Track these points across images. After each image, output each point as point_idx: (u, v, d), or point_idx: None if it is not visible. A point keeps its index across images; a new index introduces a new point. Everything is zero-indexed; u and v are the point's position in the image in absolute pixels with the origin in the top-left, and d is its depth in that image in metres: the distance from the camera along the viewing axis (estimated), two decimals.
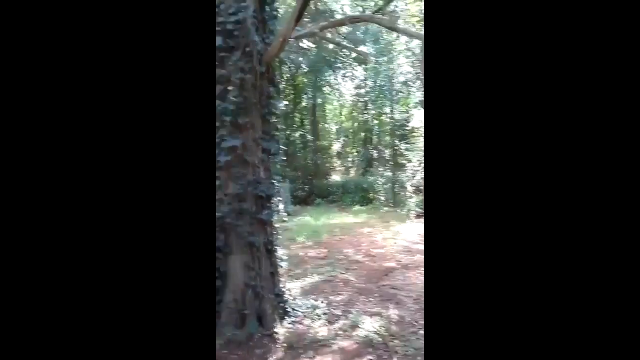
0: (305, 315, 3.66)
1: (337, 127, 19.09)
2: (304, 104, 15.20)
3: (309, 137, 14.73)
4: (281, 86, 3.88)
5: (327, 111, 18.22)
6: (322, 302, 3.93)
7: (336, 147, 18.04)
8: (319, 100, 15.38)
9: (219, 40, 3.17)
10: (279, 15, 3.75)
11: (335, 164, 17.20)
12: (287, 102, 12.80)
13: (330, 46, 12.98)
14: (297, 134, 14.31)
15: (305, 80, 14.34)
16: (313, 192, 13.44)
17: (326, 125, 18.42)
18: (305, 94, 14.89)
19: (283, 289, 3.70)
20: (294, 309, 3.69)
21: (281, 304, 3.57)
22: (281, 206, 3.74)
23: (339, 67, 14.12)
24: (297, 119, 14.95)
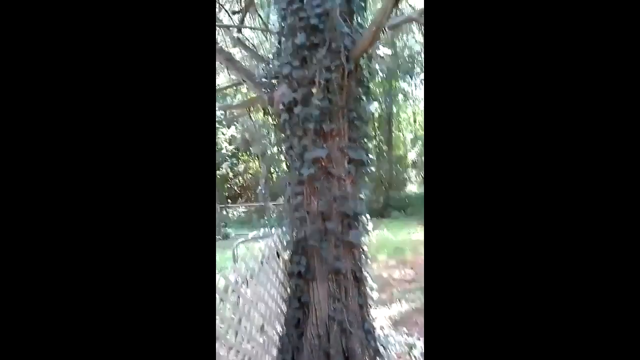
0: (399, 357, 3.07)
1: (412, 136, 18.19)
2: (376, 114, 14.66)
3: (383, 147, 14.13)
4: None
5: (402, 119, 17.45)
6: (418, 339, 3.31)
7: (411, 156, 17.14)
8: (393, 109, 14.74)
9: (301, 38, 2.79)
10: (368, 5, 3.29)
11: (411, 175, 16.32)
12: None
13: (407, 52, 12.33)
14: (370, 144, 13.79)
15: (380, 90, 13.81)
16: (389, 204, 12.77)
17: (400, 134, 17.64)
18: (380, 102, 14.34)
19: (373, 324, 3.16)
20: (385, 348, 3.12)
21: (372, 342, 3.02)
22: (370, 225, 3.20)
23: (418, 72, 13.37)
24: (370, 128, 14.46)
